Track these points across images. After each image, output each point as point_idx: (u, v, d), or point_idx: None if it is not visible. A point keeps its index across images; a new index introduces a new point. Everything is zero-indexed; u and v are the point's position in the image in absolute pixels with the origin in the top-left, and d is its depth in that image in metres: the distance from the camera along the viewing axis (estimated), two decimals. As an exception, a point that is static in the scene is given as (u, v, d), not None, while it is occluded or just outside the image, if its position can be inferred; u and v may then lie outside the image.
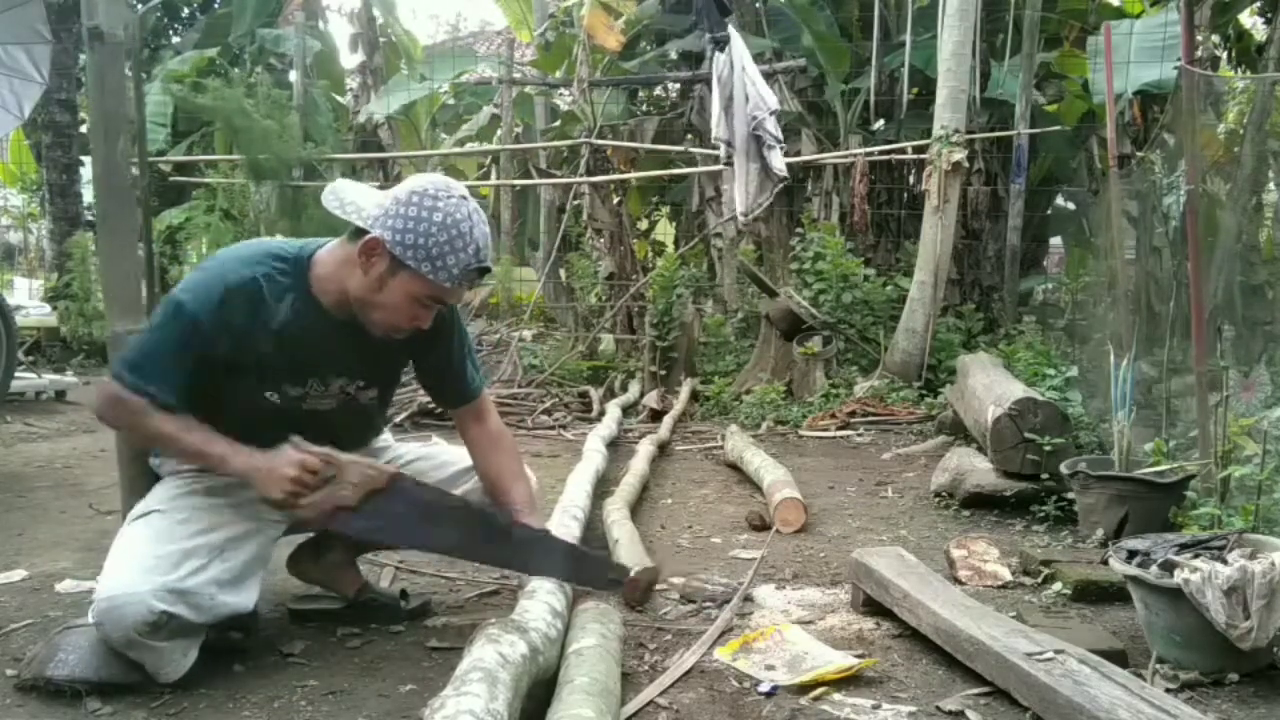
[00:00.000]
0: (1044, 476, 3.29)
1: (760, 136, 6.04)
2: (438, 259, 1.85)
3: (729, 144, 6.21)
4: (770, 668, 1.99)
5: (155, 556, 1.82)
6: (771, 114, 6.06)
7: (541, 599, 1.95)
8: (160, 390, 1.86)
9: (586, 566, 2.20)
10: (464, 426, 2.25)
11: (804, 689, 1.88)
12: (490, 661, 1.50)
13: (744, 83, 6.03)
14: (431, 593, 2.47)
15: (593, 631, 1.88)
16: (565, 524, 2.65)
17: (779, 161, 6.09)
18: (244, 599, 1.93)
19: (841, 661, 1.97)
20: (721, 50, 6.09)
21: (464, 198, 1.90)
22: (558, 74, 9.60)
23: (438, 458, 2.35)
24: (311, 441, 1.89)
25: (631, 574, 2.35)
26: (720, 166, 7.18)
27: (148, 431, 1.91)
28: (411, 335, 2.01)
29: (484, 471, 2.24)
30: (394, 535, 2.06)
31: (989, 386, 3.81)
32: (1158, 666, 1.98)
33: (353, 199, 1.92)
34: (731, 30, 6.22)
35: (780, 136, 6.21)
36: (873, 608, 2.31)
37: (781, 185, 6.30)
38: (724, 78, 6.14)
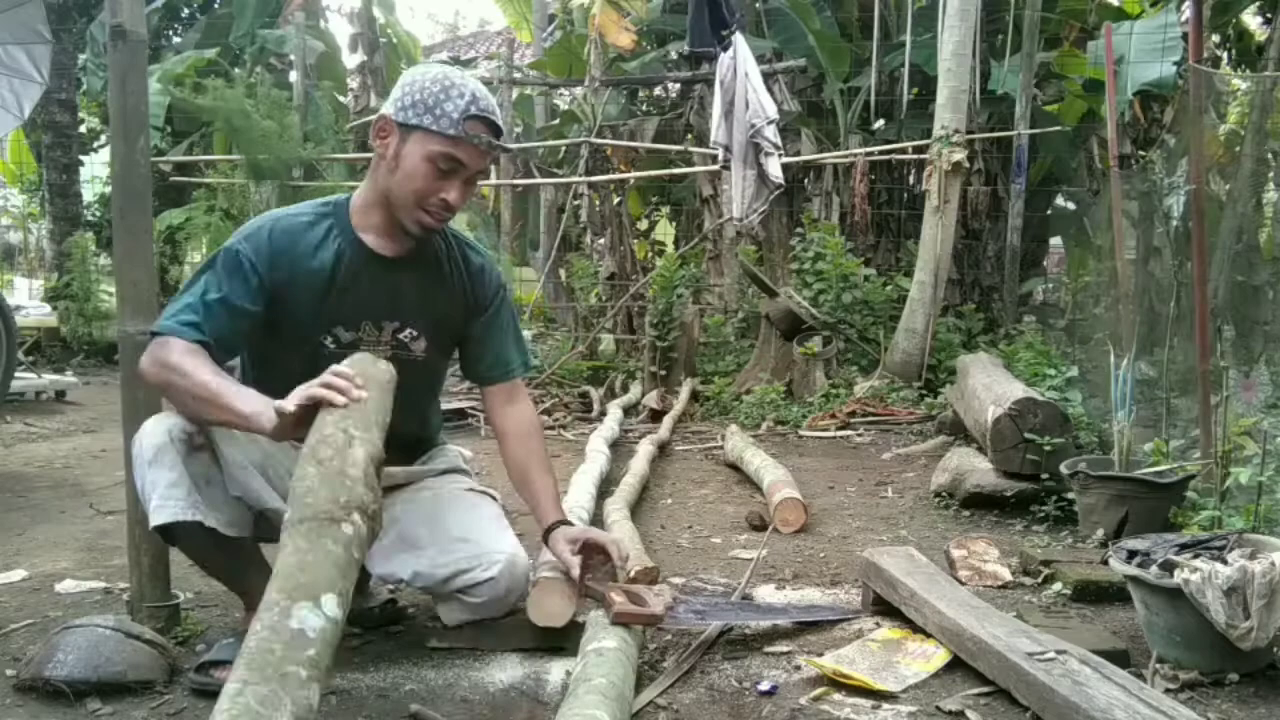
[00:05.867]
0: (1044, 476, 3.28)
1: (758, 144, 6.05)
2: (435, 108, 1.88)
3: (727, 149, 6.22)
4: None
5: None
6: (770, 123, 6.07)
7: None
8: (192, 330, 1.81)
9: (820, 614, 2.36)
10: (492, 406, 2.21)
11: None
12: None
13: (745, 89, 6.05)
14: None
15: (615, 634, 1.87)
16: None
17: (776, 169, 6.12)
18: (246, 497, 1.91)
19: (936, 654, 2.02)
20: (712, 60, 6.13)
21: (458, 68, 1.98)
22: (563, 74, 9.59)
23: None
24: None
25: (630, 574, 2.36)
26: (718, 167, 7.18)
27: (179, 382, 1.77)
28: (462, 278, 2.09)
29: (511, 457, 2.19)
30: (694, 622, 2.21)
31: (989, 386, 3.81)
32: (1158, 666, 1.98)
33: None
34: (737, 36, 6.23)
35: (779, 143, 6.23)
36: (881, 607, 2.31)
37: (778, 191, 6.32)
38: (726, 82, 6.15)
